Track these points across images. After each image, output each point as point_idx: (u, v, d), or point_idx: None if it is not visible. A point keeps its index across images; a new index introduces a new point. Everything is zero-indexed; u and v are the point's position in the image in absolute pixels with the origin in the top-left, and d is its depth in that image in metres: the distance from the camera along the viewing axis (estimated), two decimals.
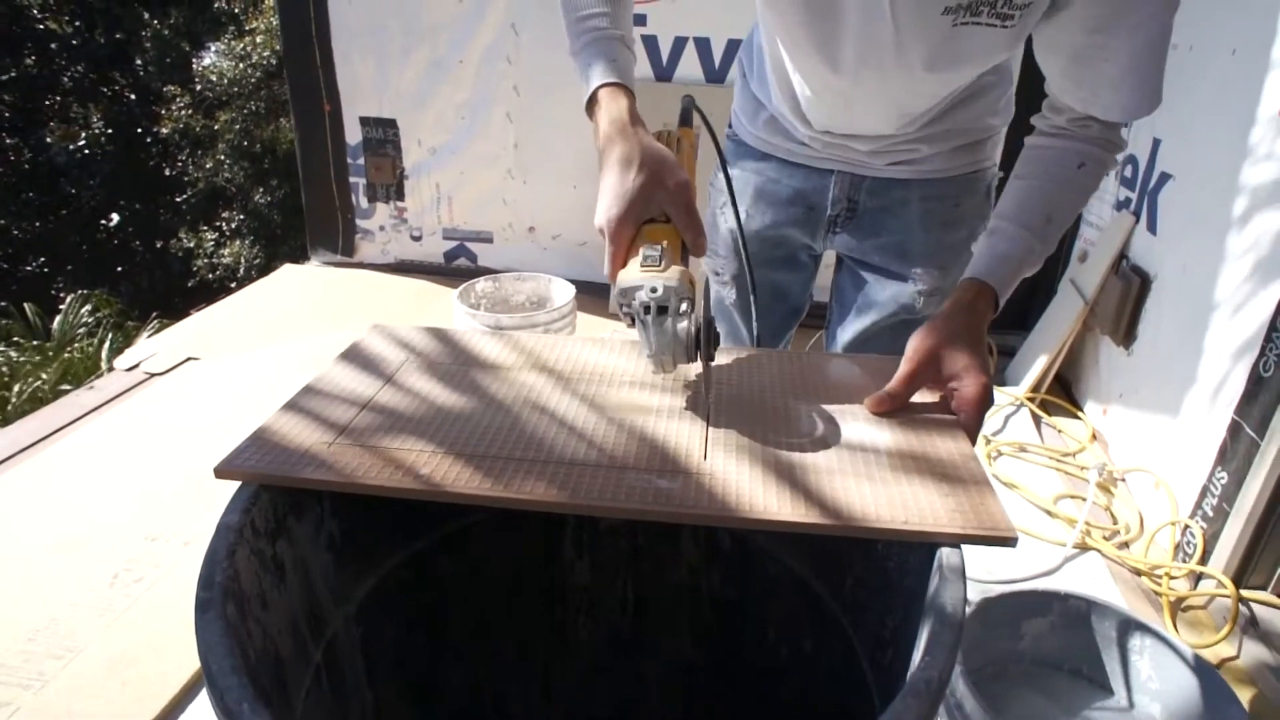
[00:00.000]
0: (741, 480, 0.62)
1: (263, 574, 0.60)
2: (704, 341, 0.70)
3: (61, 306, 5.15)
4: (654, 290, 0.66)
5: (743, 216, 1.14)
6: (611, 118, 0.75)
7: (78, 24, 7.69)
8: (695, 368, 0.76)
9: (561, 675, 0.94)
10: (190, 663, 1.28)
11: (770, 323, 1.22)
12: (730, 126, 1.18)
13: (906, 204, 1.05)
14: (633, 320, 0.69)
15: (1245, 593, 1.50)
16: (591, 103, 0.78)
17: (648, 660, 0.93)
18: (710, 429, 0.69)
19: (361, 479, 0.61)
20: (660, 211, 0.72)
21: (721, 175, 1.16)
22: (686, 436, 0.68)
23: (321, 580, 0.69)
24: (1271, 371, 1.45)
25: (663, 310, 0.67)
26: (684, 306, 0.68)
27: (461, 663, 0.88)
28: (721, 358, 0.82)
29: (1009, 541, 0.57)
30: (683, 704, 0.93)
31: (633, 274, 0.68)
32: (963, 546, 0.57)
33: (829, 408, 0.73)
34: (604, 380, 0.78)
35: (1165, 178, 1.95)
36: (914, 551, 0.61)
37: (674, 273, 0.67)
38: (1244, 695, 1.33)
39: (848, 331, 1.13)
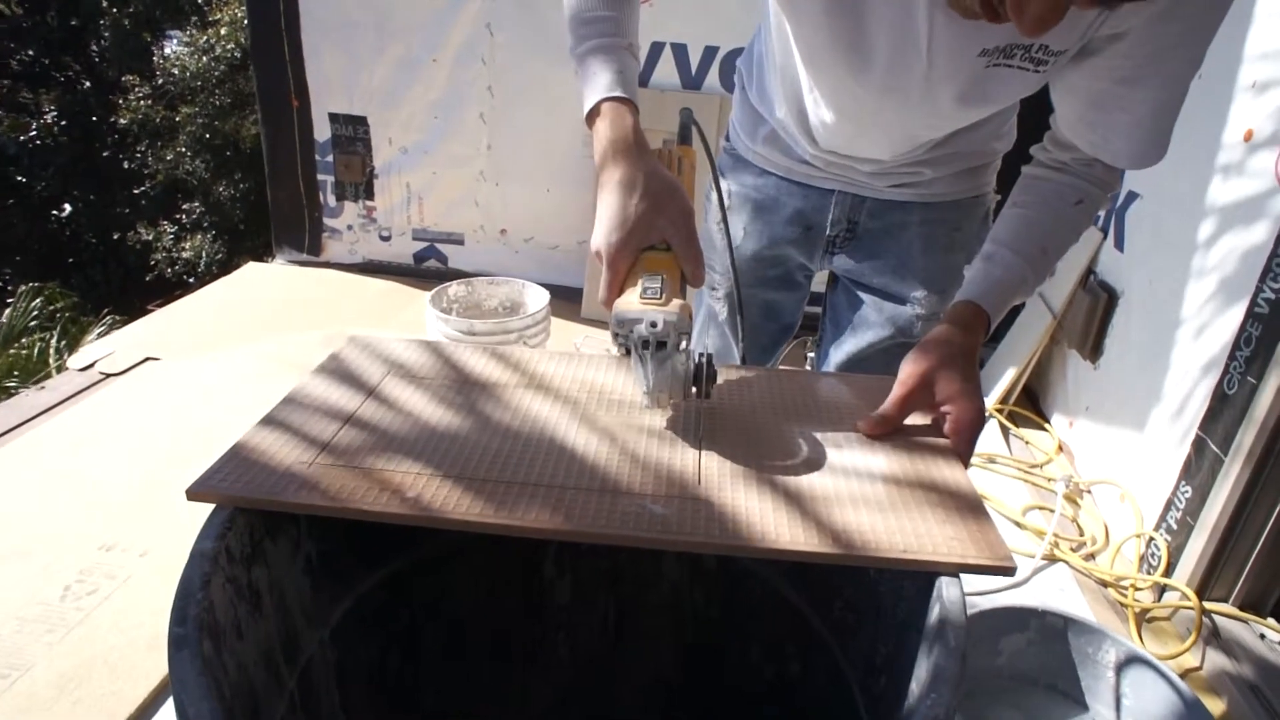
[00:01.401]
0: (737, 506, 0.61)
1: (238, 603, 0.57)
2: (704, 379, 0.68)
3: (10, 300, 4.97)
4: (654, 325, 0.64)
5: (739, 234, 1.13)
6: (615, 136, 0.71)
7: (28, 6, 7.43)
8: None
9: (539, 695, 0.92)
10: (147, 679, 1.24)
11: (761, 341, 1.21)
12: (727, 139, 1.15)
13: (906, 227, 1.04)
14: (628, 351, 0.67)
15: (1208, 604, 1.54)
16: (593, 114, 0.75)
17: (628, 680, 0.91)
18: (703, 452, 0.68)
19: (345, 503, 0.58)
20: (660, 239, 0.70)
21: (717, 189, 1.14)
22: (679, 459, 0.67)
23: (297, 605, 0.66)
24: (1235, 389, 1.48)
25: (661, 345, 0.65)
26: (683, 343, 0.66)
27: (437, 684, 0.85)
28: None
29: (1007, 571, 0.57)
30: None
31: (632, 305, 0.65)
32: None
33: (821, 430, 0.72)
34: (593, 398, 0.76)
35: (1133, 196, 1.99)
36: (909, 579, 0.60)
37: (674, 306, 0.65)
38: (1206, 704, 1.36)
39: (841, 352, 1.11)
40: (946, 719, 0.45)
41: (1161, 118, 0.74)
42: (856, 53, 0.79)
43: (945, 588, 0.55)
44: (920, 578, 0.58)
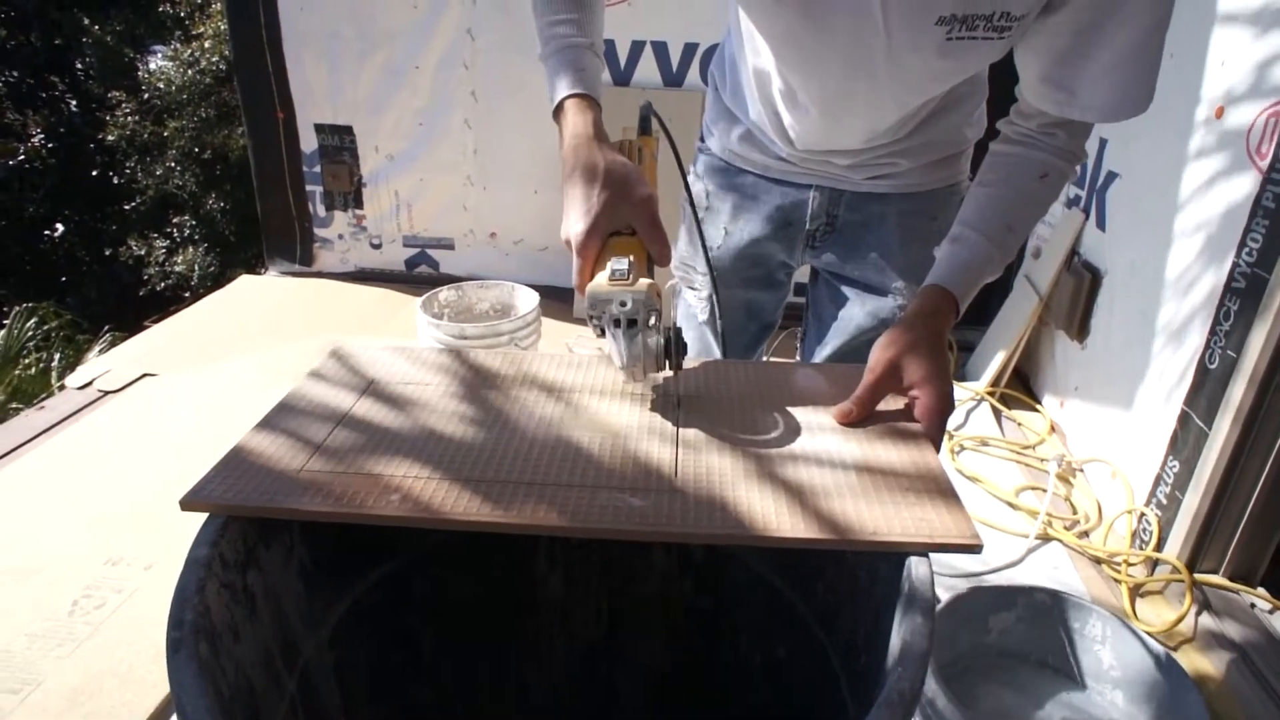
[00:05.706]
0: (712, 495, 0.63)
1: (234, 607, 0.59)
2: (674, 351, 0.72)
3: (5, 321, 4.97)
4: (623, 304, 0.68)
5: (721, 234, 1.14)
6: (576, 131, 0.76)
7: (10, 28, 7.44)
8: (664, 375, 0.78)
9: (536, 689, 0.94)
10: (157, 690, 1.26)
11: (741, 341, 1.22)
12: (702, 140, 1.16)
13: (885, 219, 1.04)
14: (603, 331, 0.71)
15: (1199, 576, 1.56)
16: (558, 111, 0.79)
17: (621, 670, 0.93)
18: (680, 444, 0.70)
19: (335, 507, 0.60)
20: (626, 224, 0.74)
21: (694, 187, 1.15)
22: (657, 452, 0.69)
23: (294, 608, 0.68)
24: (1216, 363, 1.50)
25: (632, 323, 0.69)
26: (652, 319, 0.70)
27: (436, 682, 0.87)
28: (690, 367, 0.83)
29: (974, 549, 0.59)
30: (657, 713, 0.94)
31: (602, 287, 0.69)
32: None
33: (796, 419, 0.74)
34: (572, 397, 0.78)
35: (1112, 176, 2.01)
36: (883, 560, 0.62)
37: (642, 285, 0.68)
38: (1199, 674, 1.38)
39: (826, 347, 1.12)
40: (913, 692, 0.47)
41: (1131, 64, 0.71)
42: (815, 37, 0.80)
43: (914, 567, 0.57)
44: (893, 558, 0.60)
